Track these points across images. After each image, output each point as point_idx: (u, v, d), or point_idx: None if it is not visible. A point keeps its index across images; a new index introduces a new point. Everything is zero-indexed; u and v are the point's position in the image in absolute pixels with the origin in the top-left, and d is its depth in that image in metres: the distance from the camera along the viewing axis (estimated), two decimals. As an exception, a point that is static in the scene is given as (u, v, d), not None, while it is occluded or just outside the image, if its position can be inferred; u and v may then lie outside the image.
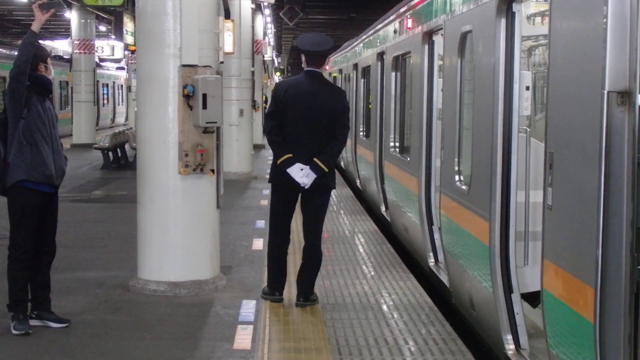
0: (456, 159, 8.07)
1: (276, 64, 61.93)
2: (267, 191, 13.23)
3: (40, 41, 7.14)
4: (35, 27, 7.01)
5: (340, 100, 7.86)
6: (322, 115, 7.69)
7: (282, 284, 7.98)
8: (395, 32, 12.54)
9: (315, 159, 7.64)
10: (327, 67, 29.20)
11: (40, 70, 7.15)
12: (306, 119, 7.68)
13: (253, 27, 23.36)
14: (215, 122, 8.38)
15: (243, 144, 19.91)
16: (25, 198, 7.02)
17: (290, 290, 8.13)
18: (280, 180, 7.78)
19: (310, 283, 7.93)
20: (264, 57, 33.30)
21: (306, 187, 7.66)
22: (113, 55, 41.43)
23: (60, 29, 42.65)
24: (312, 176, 7.64)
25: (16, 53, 7.66)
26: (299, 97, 7.71)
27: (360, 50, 18.20)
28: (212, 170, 8.55)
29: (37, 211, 7.09)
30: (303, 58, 7.88)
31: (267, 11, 31.68)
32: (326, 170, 7.68)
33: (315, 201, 7.79)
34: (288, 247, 7.98)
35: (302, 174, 7.63)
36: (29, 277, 7.14)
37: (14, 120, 6.99)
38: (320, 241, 7.94)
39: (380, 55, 14.28)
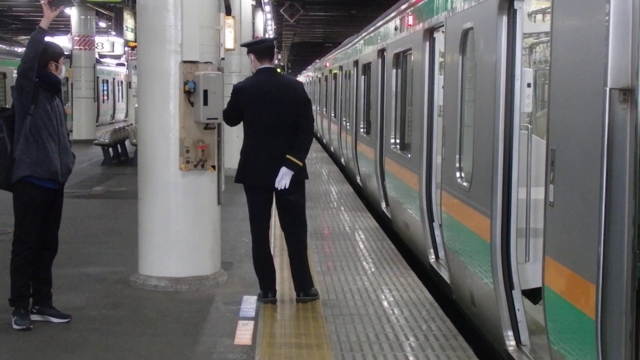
0: (457, 156, 8.08)
1: (276, 61, 61.82)
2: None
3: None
4: (44, 23, 7.01)
5: (301, 92, 7.85)
6: (287, 111, 7.68)
7: (272, 283, 7.91)
8: (396, 29, 12.53)
9: (288, 156, 7.62)
10: (328, 64, 29.20)
11: (50, 69, 7.13)
12: (272, 118, 7.68)
13: (253, 23, 23.38)
14: (216, 119, 8.39)
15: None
16: (30, 194, 7.03)
17: (291, 287, 8.14)
18: (252, 182, 7.78)
19: (305, 276, 7.90)
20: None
21: (287, 188, 7.65)
22: (113, 51, 41.38)
23: (60, 25, 42.63)
24: (289, 175, 7.63)
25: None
26: (262, 97, 7.71)
27: (360, 47, 18.20)
28: (213, 167, 8.57)
29: (41, 207, 7.10)
30: (252, 57, 7.90)
31: (267, 8, 31.66)
32: (301, 165, 7.69)
33: (292, 198, 7.76)
34: (269, 245, 7.96)
35: (277, 178, 7.62)
36: (31, 273, 7.15)
37: (20, 116, 6.99)
38: (306, 234, 7.94)
39: (381, 52, 14.27)
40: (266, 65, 7.87)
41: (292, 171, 7.63)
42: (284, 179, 7.61)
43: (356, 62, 18.83)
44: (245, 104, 7.74)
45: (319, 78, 34.12)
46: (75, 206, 14.00)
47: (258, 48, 7.90)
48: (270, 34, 38.75)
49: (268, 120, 7.68)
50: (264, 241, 7.87)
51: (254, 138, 7.78)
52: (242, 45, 8.31)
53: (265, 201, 7.81)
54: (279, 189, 7.65)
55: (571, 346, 4.99)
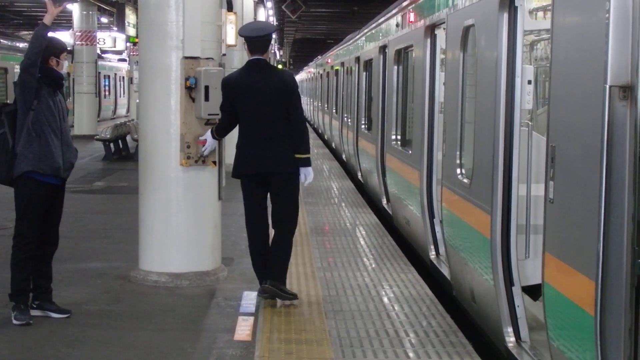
0: (458, 152, 8.08)
1: (278, 56, 61.80)
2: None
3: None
4: (47, 19, 7.01)
5: (290, 82, 7.73)
6: (275, 102, 7.61)
7: None
8: (397, 25, 12.54)
9: (297, 155, 7.60)
10: (329, 61, 29.19)
11: (51, 64, 7.13)
12: (262, 108, 7.62)
13: (255, 19, 23.36)
14: (217, 114, 8.38)
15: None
16: (32, 189, 7.04)
17: (290, 283, 8.14)
18: (242, 173, 7.77)
19: (281, 269, 7.71)
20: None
21: (307, 184, 7.73)
22: (115, 47, 41.43)
23: (62, 21, 42.65)
24: (307, 170, 7.65)
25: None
26: (250, 88, 7.65)
27: (362, 44, 18.20)
28: (214, 162, 8.57)
29: (43, 202, 7.10)
30: (246, 46, 7.82)
31: (269, 4, 31.65)
32: (309, 155, 7.71)
33: (289, 188, 7.74)
34: (268, 239, 7.88)
35: (302, 178, 7.68)
36: (32, 268, 7.16)
37: (23, 111, 7.00)
38: (294, 228, 7.87)
39: (383, 49, 14.27)
40: (257, 55, 7.80)
41: (308, 166, 7.67)
42: (307, 178, 7.67)
43: (358, 59, 18.83)
44: (235, 95, 7.68)
45: (321, 74, 34.11)
46: (76, 201, 14.01)
47: (251, 39, 7.78)
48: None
49: (258, 110, 7.61)
50: (259, 237, 7.83)
51: (244, 129, 7.73)
52: (239, 34, 8.17)
53: (259, 196, 7.80)
54: (305, 185, 7.72)
55: (571, 342, 5.00)
